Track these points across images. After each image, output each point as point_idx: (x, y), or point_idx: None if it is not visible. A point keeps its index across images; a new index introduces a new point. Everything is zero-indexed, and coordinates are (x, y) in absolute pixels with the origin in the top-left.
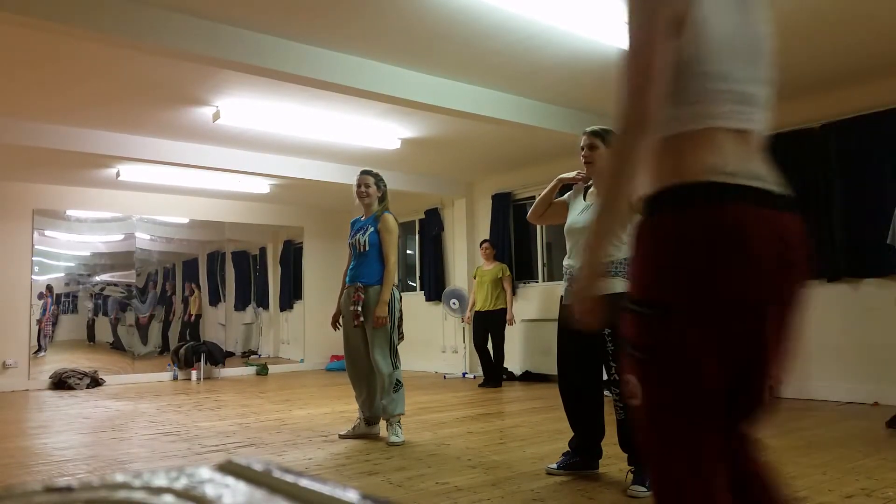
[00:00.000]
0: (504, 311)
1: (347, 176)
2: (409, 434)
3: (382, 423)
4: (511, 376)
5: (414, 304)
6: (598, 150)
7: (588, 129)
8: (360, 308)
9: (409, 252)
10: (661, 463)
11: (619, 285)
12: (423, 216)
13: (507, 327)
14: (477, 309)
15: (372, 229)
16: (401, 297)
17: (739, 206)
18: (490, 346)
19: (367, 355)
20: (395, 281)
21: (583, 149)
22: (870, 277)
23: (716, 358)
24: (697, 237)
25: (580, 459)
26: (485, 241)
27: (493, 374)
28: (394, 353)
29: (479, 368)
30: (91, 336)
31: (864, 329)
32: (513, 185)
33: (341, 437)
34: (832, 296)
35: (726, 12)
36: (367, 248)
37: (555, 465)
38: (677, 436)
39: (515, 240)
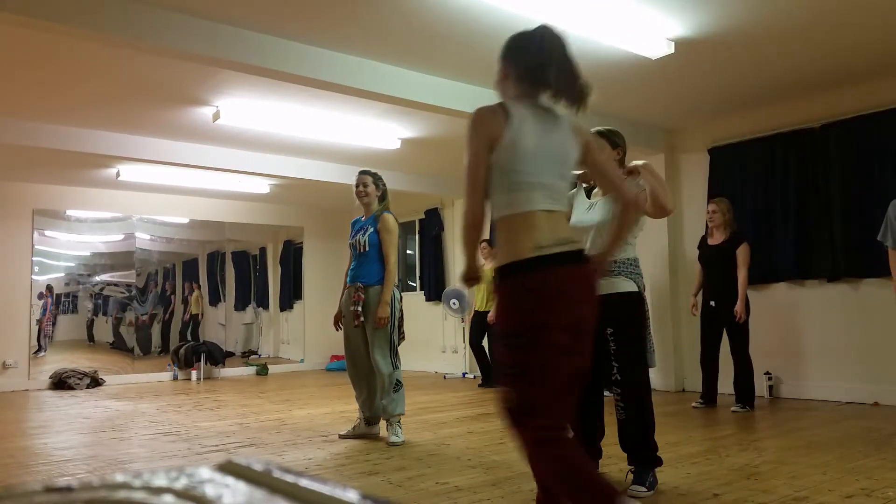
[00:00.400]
0: None
1: (347, 176)
2: (409, 434)
3: (382, 423)
4: None
5: (414, 304)
6: (604, 150)
7: (593, 130)
8: (360, 308)
9: (409, 252)
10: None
11: (624, 284)
12: (423, 216)
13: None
14: (476, 308)
15: (372, 229)
16: (401, 297)
17: (552, 269)
18: (487, 345)
19: (367, 355)
20: (396, 281)
21: None
22: (870, 277)
23: (558, 359)
24: (530, 291)
25: None
26: (484, 240)
27: (492, 373)
28: (394, 353)
29: (479, 368)
30: (91, 336)
31: (864, 329)
32: None
33: (341, 437)
34: (832, 296)
35: (530, 135)
36: (367, 249)
37: None
38: (539, 403)
39: None
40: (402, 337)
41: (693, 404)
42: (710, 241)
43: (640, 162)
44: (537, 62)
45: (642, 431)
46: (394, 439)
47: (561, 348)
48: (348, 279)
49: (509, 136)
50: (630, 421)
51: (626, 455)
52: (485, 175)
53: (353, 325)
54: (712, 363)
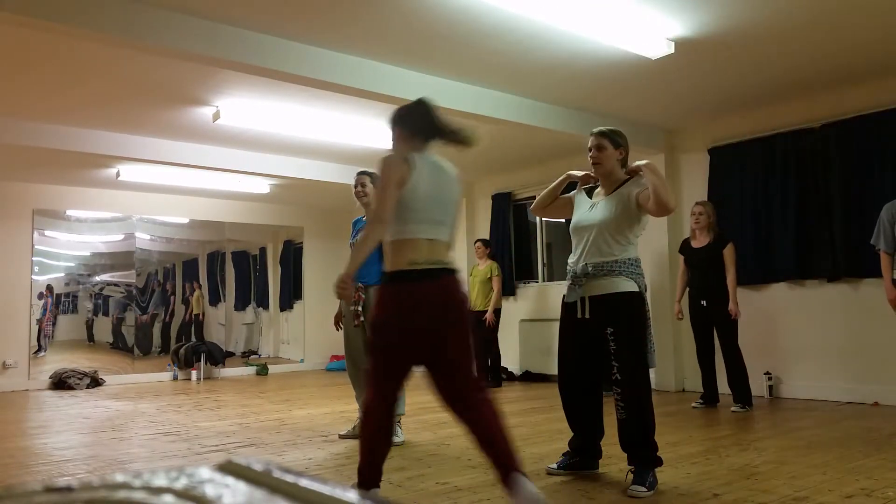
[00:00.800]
0: (496, 310)
1: (347, 176)
2: (409, 434)
3: None
4: (511, 376)
5: None
6: (606, 150)
7: (595, 130)
8: (360, 308)
9: None
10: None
11: (625, 284)
12: None
13: (501, 326)
14: (472, 308)
15: None
16: None
17: (421, 281)
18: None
19: (362, 355)
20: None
21: (590, 149)
22: (870, 277)
23: (402, 347)
24: (402, 295)
25: (580, 459)
26: (478, 240)
27: (492, 373)
28: None
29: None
30: (91, 336)
31: (864, 329)
32: (513, 185)
33: (341, 437)
34: (832, 296)
35: (426, 181)
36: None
37: (555, 465)
38: (378, 371)
39: (515, 240)
40: None
41: (693, 404)
42: (695, 244)
43: (642, 162)
44: (426, 122)
45: (642, 431)
46: (393, 439)
47: (396, 346)
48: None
49: (412, 181)
50: (630, 421)
51: (626, 455)
52: (391, 207)
53: (354, 324)
54: (709, 361)
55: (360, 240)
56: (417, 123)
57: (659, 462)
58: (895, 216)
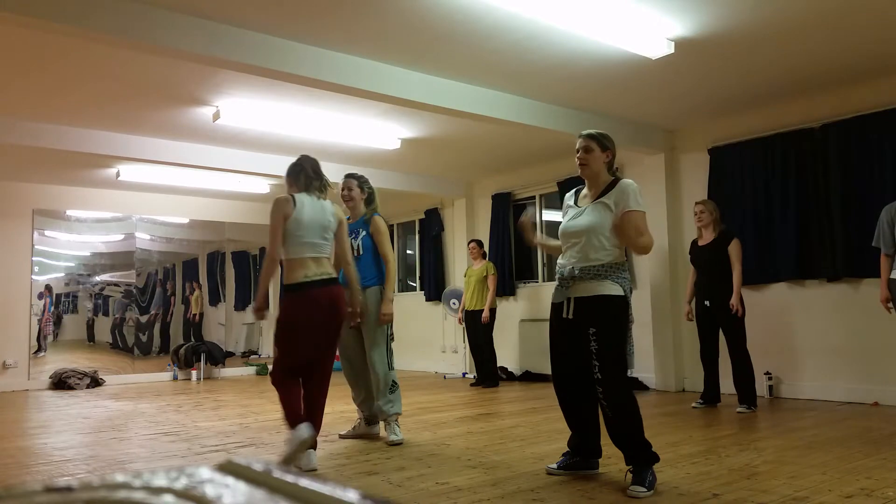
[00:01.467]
0: (491, 310)
1: None
2: (409, 434)
3: (382, 423)
4: (511, 376)
5: (414, 304)
6: (593, 152)
7: (584, 132)
8: (357, 310)
9: (409, 252)
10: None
11: (610, 288)
12: (423, 216)
13: (497, 326)
14: (466, 308)
15: (364, 233)
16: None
17: (310, 290)
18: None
19: (362, 355)
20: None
21: (578, 151)
22: (870, 277)
23: (302, 336)
24: (296, 301)
25: (580, 459)
26: (472, 240)
27: (488, 374)
28: (389, 354)
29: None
30: (91, 336)
31: (864, 329)
32: (513, 185)
33: (341, 437)
34: (832, 296)
35: (308, 213)
36: (362, 252)
37: (555, 465)
38: (284, 356)
39: (515, 240)
40: (391, 337)
41: (693, 405)
42: (701, 242)
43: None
44: (308, 174)
45: (628, 429)
46: (393, 438)
47: (299, 336)
48: (344, 282)
49: (295, 214)
50: (615, 418)
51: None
52: (281, 236)
53: (349, 325)
54: (712, 362)
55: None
56: (298, 174)
57: (655, 458)
58: (894, 218)
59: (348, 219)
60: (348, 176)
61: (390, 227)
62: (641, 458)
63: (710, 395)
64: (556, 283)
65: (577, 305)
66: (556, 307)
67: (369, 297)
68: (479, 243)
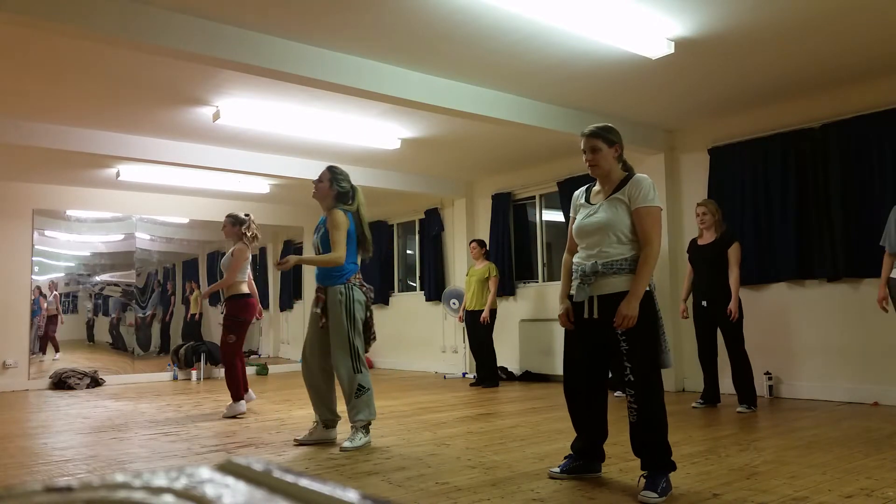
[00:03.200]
0: (491, 311)
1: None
2: (409, 434)
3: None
4: (511, 376)
5: (414, 304)
6: (601, 151)
7: (586, 130)
8: (319, 309)
9: (409, 252)
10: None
11: (628, 283)
12: (423, 216)
13: (497, 327)
14: (466, 308)
15: (323, 229)
16: (366, 298)
17: (251, 297)
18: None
19: (318, 357)
20: (356, 281)
21: (584, 152)
22: (870, 277)
23: (244, 334)
24: (243, 304)
25: (582, 462)
26: (473, 240)
27: (488, 374)
28: (355, 357)
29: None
30: (91, 336)
31: (864, 329)
32: (513, 185)
33: (297, 442)
34: (832, 296)
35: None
36: (321, 250)
37: (557, 469)
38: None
39: (515, 240)
40: (372, 338)
41: (693, 404)
42: (701, 242)
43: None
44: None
45: (655, 434)
46: (346, 444)
47: (246, 329)
48: (320, 281)
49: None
50: (642, 423)
51: (629, 456)
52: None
53: (319, 326)
54: (711, 362)
55: (324, 258)
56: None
57: (672, 466)
58: None
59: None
60: (329, 167)
61: (390, 228)
62: (659, 464)
63: (710, 395)
64: (575, 280)
65: (602, 304)
66: (577, 307)
67: (330, 297)
68: (481, 243)
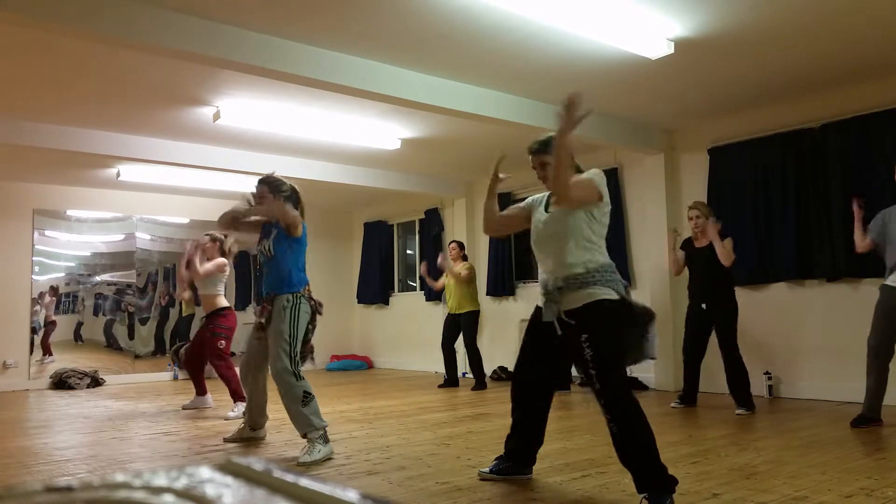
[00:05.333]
0: (474, 313)
1: (347, 176)
2: (409, 434)
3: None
4: (511, 376)
5: (414, 304)
6: (550, 164)
7: (531, 147)
8: (263, 320)
9: (408, 252)
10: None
11: (600, 293)
12: (423, 216)
13: (497, 326)
14: (449, 311)
15: (276, 231)
16: (312, 312)
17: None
18: (461, 347)
19: (254, 370)
20: (306, 293)
21: (534, 168)
22: (870, 277)
23: (229, 342)
24: (225, 317)
25: (512, 465)
26: (452, 241)
27: (477, 376)
28: (295, 364)
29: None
30: (90, 336)
31: (864, 329)
32: (513, 185)
33: (226, 441)
34: (832, 296)
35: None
36: (273, 254)
37: (487, 469)
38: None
39: (515, 240)
40: (307, 352)
41: (672, 404)
42: (697, 244)
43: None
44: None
45: (639, 445)
46: (303, 458)
47: (230, 340)
48: (268, 289)
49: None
50: (623, 432)
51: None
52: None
53: (255, 337)
54: (695, 363)
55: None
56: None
57: (672, 483)
58: (890, 218)
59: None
60: (260, 181)
61: (390, 228)
62: (655, 485)
63: (689, 397)
64: (541, 296)
65: (568, 319)
66: (538, 311)
67: (276, 306)
68: (460, 245)
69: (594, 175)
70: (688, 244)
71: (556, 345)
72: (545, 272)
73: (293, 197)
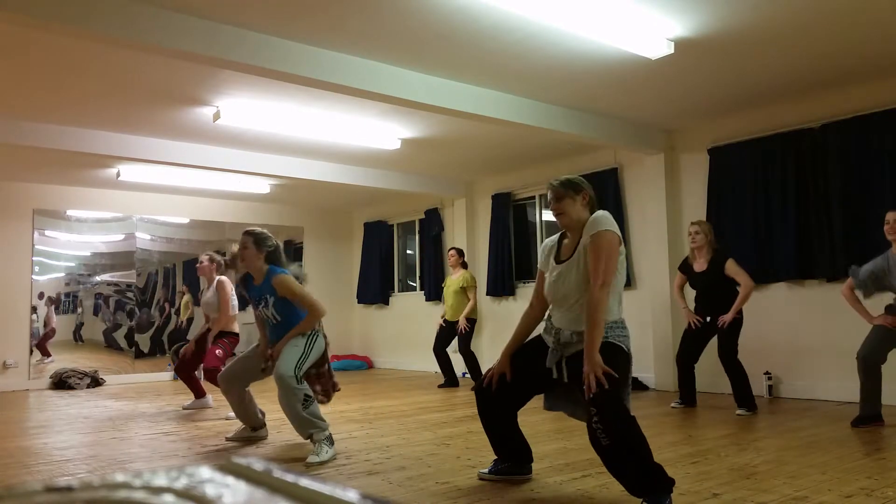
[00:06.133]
0: (469, 321)
1: (347, 176)
2: (409, 434)
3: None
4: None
5: (414, 304)
6: (564, 200)
7: (552, 183)
8: (269, 364)
9: (409, 252)
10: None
11: (606, 345)
12: (423, 216)
13: (496, 327)
14: (446, 318)
15: (273, 298)
16: (326, 342)
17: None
18: (456, 355)
19: (240, 381)
20: (317, 325)
21: (550, 203)
22: None
23: (230, 353)
24: (233, 340)
25: (510, 465)
26: (452, 248)
27: (476, 378)
28: (298, 369)
29: (442, 372)
30: (89, 335)
31: (864, 329)
32: (513, 185)
33: (228, 440)
34: (832, 296)
35: None
36: (280, 319)
37: (486, 470)
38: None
39: (515, 240)
40: (329, 388)
41: (672, 404)
42: (696, 267)
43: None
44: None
45: (631, 454)
46: (311, 459)
47: (227, 357)
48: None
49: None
50: (613, 446)
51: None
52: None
53: (261, 367)
54: (689, 367)
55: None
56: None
57: (671, 484)
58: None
59: (252, 280)
60: (245, 233)
61: (389, 228)
62: (652, 487)
63: (688, 398)
64: (548, 337)
65: (571, 362)
66: (537, 349)
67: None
68: (460, 252)
69: (608, 228)
70: (686, 267)
71: (542, 374)
72: (558, 322)
73: (275, 253)
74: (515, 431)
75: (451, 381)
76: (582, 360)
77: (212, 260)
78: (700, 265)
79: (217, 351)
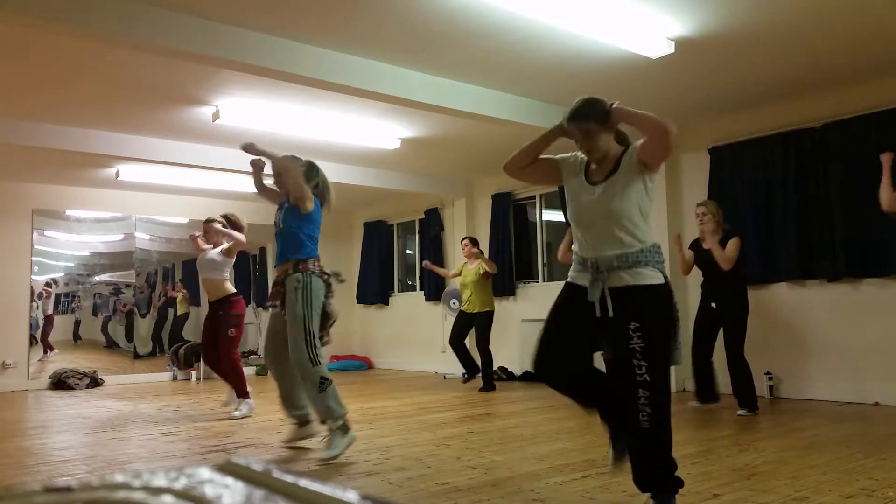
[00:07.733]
0: (489, 313)
1: (347, 176)
2: (409, 434)
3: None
4: (511, 376)
5: (414, 304)
6: (597, 133)
7: (569, 113)
8: (279, 303)
9: (408, 252)
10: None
11: (650, 276)
12: (423, 216)
13: (497, 327)
14: (462, 309)
15: (287, 205)
16: (328, 288)
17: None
18: (472, 347)
19: (282, 345)
20: (316, 268)
21: (577, 141)
22: (870, 277)
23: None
24: (238, 301)
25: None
26: (465, 237)
27: (487, 379)
28: (312, 347)
29: (461, 367)
30: (88, 335)
31: (863, 329)
32: (513, 185)
33: (283, 444)
34: (832, 296)
35: None
36: (282, 226)
37: (611, 461)
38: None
39: (515, 240)
40: (323, 337)
41: (691, 404)
42: (704, 246)
43: (614, 107)
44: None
45: (662, 445)
46: (323, 454)
47: (241, 328)
48: (281, 260)
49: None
50: (652, 431)
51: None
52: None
53: (274, 309)
54: (706, 362)
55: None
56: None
57: (679, 484)
58: None
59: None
60: (282, 157)
61: (390, 228)
62: (666, 484)
63: (705, 394)
64: (581, 272)
65: (615, 298)
66: (576, 291)
67: (288, 286)
68: (474, 241)
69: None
70: (696, 245)
71: (590, 323)
72: (593, 253)
73: (310, 174)
74: (601, 379)
75: (472, 371)
76: (627, 296)
77: (224, 224)
78: (709, 244)
79: (230, 331)
